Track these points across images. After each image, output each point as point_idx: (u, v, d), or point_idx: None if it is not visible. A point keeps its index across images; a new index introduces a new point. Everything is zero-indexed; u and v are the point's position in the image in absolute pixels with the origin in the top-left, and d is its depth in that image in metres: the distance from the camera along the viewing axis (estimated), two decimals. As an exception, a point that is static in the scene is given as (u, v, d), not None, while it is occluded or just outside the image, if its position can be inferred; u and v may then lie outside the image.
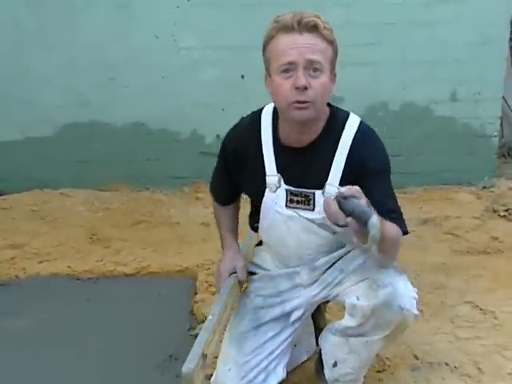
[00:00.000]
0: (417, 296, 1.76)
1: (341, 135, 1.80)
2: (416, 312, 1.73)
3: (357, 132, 1.81)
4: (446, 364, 2.20)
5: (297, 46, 1.67)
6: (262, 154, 1.87)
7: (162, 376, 2.28)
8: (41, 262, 3.25)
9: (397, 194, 4.41)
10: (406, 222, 3.68)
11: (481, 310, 2.62)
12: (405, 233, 1.81)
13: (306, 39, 1.67)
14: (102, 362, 2.37)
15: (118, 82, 4.31)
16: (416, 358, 2.25)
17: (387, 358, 2.23)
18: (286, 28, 1.68)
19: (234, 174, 1.99)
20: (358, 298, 1.77)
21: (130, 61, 4.26)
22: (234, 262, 2.06)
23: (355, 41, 4.22)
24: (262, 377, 1.92)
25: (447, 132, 4.49)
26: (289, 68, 1.68)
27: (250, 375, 1.92)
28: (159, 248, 3.41)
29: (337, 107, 1.88)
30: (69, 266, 3.17)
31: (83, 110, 4.36)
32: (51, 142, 4.41)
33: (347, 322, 1.82)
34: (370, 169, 1.76)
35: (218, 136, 4.27)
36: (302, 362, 2.19)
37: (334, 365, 1.90)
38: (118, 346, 2.47)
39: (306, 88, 1.67)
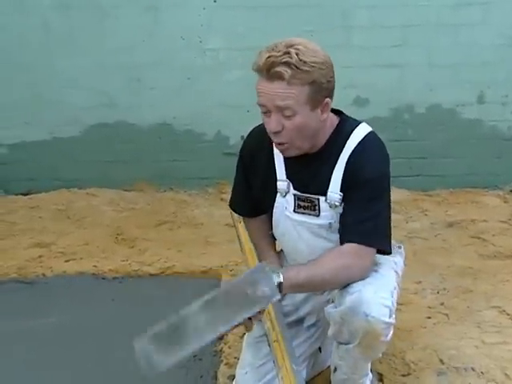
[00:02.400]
0: (391, 305, 1.71)
1: (345, 145, 1.80)
2: (386, 320, 1.67)
3: (359, 142, 1.80)
4: (473, 369, 2.18)
5: (266, 92, 1.68)
6: (274, 160, 1.91)
7: (186, 376, 2.29)
8: (67, 261, 3.28)
9: (423, 197, 4.41)
10: (432, 225, 3.66)
11: (508, 314, 2.59)
12: (385, 252, 1.82)
13: (275, 87, 1.65)
14: (126, 362, 2.37)
15: (144, 84, 4.34)
16: (442, 362, 2.23)
17: (412, 362, 2.22)
18: (259, 71, 1.68)
19: (252, 181, 2.01)
20: (335, 306, 1.76)
21: (156, 62, 4.29)
22: None
23: (381, 43, 4.21)
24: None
25: (474, 135, 4.43)
26: (265, 109, 1.71)
27: (267, 377, 1.95)
28: (184, 248, 3.42)
29: (347, 117, 1.87)
30: (94, 266, 3.20)
31: (110, 111, 4.40)
32: (78, 142, 4.46)
33: (329, 329, 1.82)
34: (358, 178, 1.76)
35: (242, 137, 4.25)
36: (328, 367, 2.19)
37: (334, 370, 1.92)
38: (143, 345, 2.48)
39: (277, 131, 1.71)
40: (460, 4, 4.18)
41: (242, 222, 2.26)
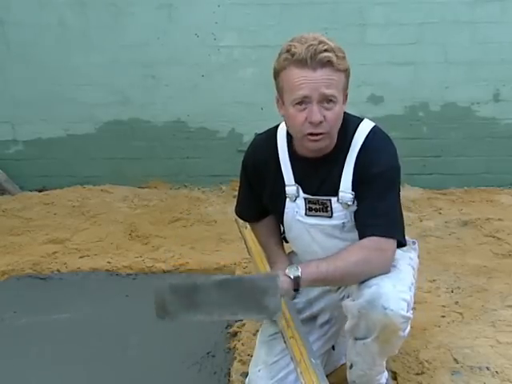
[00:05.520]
0: (409, 299, 1.70)
1: (351, 143, 1.80)
2: (404, 314, 1.67)
3: (365, 139, 1.80)
4: (487, 368, 2.16)
5: (310, 82, 1.66)
6: (280, 167, 1.90)
7: (199, 373, 2.29)
8: (81, 257, 3.30)
9: (437, 195, 4.38)
10: (446, 224, 3.63)
11: (523, 314, 2.57)
12: (401, 244, 1.82)
13: (320, 74, 1.65)
14: (140, 358, 2.39)
15: (159, 81, 4.36)
16: (456, 361, 2.21)
17: (426, 361, 2.20)
18: (299, 62, 1.66)
19: (257, 189, 2.01)
20: (353, 300, 1.76)
21: (170, 59, 4.30)
22: None
23: (397, 40, 4.20)
24: (292, 377, 1.92)
25: (489, 133, 4.41)
26: (303, 101, 1.69)
27: (280, 375, 1.94)
28: (197, 245, 3.43)
29: (349, 114, 1.87)
30: (109, 262, 3.22)
31: (124, 108, 4.42)
32: (92, 139, 4.49)
33: (347, 324, 1.81)
34: (370, 174, 1.76)
35: (256, 134, 4.26)
36: (341, 365, 2.18)
37: (351, 367, 1.91)
38: (156, 342, 2.49)
39: (320, 122, 1.69)
40: (477, 1, 4.15)
41: (248, 227, 2.26)
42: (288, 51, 1.68)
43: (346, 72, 1.71)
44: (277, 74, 1.74)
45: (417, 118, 4.41)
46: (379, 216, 1.75)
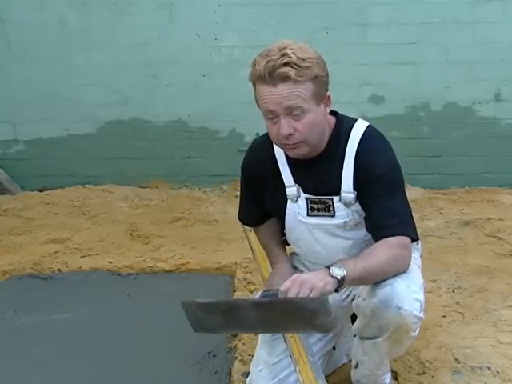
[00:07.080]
0: (422, 298, 1.72)
1: (347, 143, 1.81)
2: (418, 314, 1.68)
3: (361, 139, 1.81)
4: (488, 368, 2.16)
5: (273, 97, 1.67)
6: (279, 168, 1.91)
7: (200, 373, 2.29)
8: (82, 257, 3.30)
9: (438, 195, 4.37)
10: (447, 223, 3.63)
11: (524, 314, 2.57)
12: (413, 239, 1.82)
13: (281, 89, 1.65)
14: (141, 357, 2.39)
15: (160, 80, 4.37)
16: (457, 361, 2.21)
17: (427, 361, 2.20)
18: (261, 79, 1.67)
19: (257, 194, 2.02)
20: (364, 299, 1.76)
21: (171, 59, 4.31)
22: None
23: (398, 40, 4.20)
24: (293, 378, 1.90)
25: (490, 133, 4.41)
26: (272, 115, 1.70)
27: (281, 375, 1.93)
28: (198, 245, 3.43)
29: (342, 115, 1.88)
30: (110, 262, 3.22)
31: (125, 108, 4.43)
32: (93, 139, 4.49)
33: (356, 323, 1.82)
34: (373, 175, 1.77)
35: (257, 134, 4.27)
36: (342, 365, 2.18)
37: (356, 366, 1.92)
38: (157, 342, 2.49)
39: (290, 134, 1.70)
40: (478, 1, 4.15)
41: (253, 231, 2.26)
42: (253, 66, 1.69)
43: (315, 79, 1.67)
44: (253, 85, 1.75)
45: (418, 117, 4.41)
46: (394, 216, 1.76)
